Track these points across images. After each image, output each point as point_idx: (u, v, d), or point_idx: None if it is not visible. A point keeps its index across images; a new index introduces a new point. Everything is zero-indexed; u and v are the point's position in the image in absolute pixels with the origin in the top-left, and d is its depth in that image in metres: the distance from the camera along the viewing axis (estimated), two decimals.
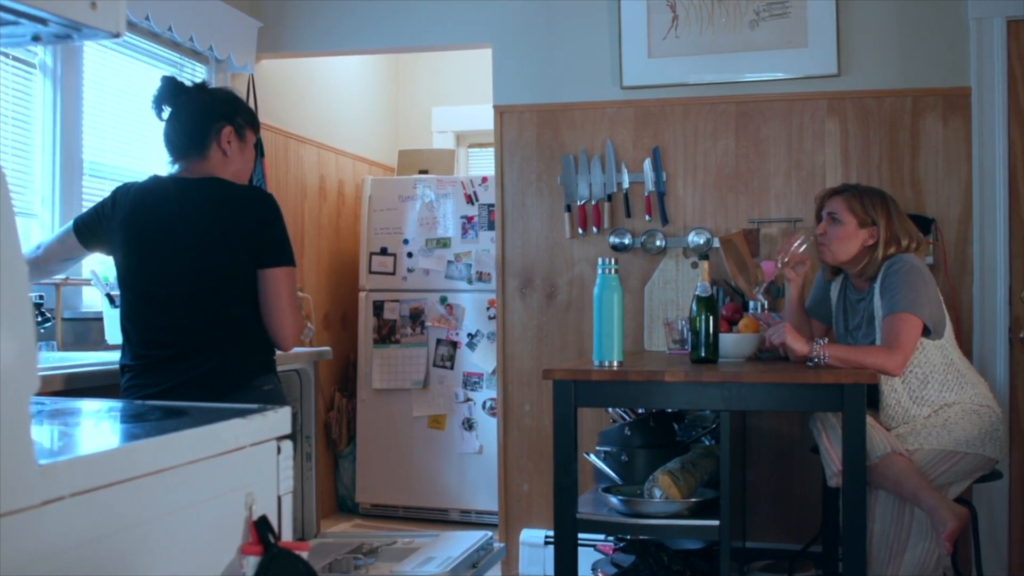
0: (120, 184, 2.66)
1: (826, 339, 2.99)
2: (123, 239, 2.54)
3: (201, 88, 2.66)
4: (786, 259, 3.15)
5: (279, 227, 2.55)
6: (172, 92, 2.60)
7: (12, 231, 1.01)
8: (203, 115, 2.58)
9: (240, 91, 4.31)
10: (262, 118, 4.34)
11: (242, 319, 2.52)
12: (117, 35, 1.26)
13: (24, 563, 0.98)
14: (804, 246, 3.14)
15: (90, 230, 2.64)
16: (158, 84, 2.62)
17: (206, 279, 2.48)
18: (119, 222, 2.56)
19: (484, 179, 4.96)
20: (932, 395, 2.95)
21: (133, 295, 2.53)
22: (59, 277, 3.08)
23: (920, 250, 3.10)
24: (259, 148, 4.21)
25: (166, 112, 2.61)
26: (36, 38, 1.24)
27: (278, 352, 2.63)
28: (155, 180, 2.61)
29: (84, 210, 2.82)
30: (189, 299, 2.48)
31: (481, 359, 4.92)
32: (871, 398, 2.92)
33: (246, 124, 2.64)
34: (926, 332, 2.94)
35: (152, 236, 2.51)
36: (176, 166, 2.62)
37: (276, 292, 2.51)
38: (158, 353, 2.47)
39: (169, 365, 2.46)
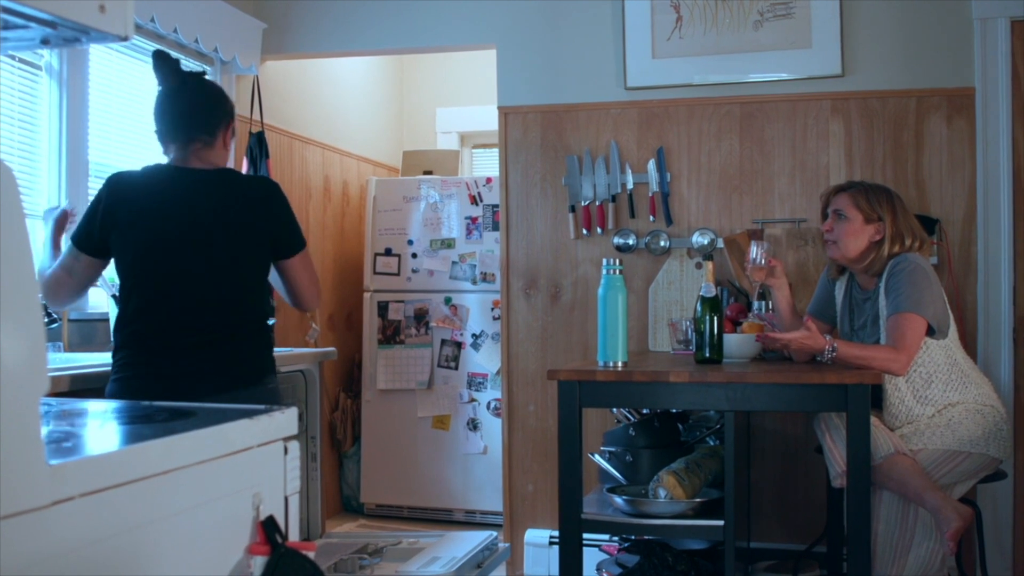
0: (110, 178, 2.54)
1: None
2: (144, 228, 2.48)
3: (204, 76, 2.68)
4: (750, 273, 3.17)
5: (292, 213, 2.68)
6: (176, 67, 2.60)
7: (22, 233, 1.02)
8: (216, 104, 2.62)
9: (245, 92, 4.32)
10: (267, 119, 4.36)
11: (261, 314, 2.63)
12: (125, 38, 1.27)
13: (33, 563, 0.98)
14: (761, 253, 3.13)
15: (101, 236, 2.50)
16: (161, 58, 2.59)
17: (231, 271, 2.53)
18: (133, 212, 2.48)
19: (488, 180, 4.96)
20: (936, 395, 2.95)
21: (156, 283, 2.48)
22: None
23: (924, 249, 3.10)
24: (264, 149, 4.23)
25: (161, 82, 2.59)
26: (45, 41, 1.24)
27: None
28: (162, 170, 2.56)
29: (77, 227, 2.57)
30: (217, 291, 2.51)
31: (486, 359, 4.93)
32: (875, 398, 2.92)
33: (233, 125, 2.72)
34: (930, 332, 2.95)
35: (177, 230, 2.49)
36: (173, 147, 2.57)
37: (300, 275, 2.68)
38: (183, 339, 2.47)
39: (192, 352, 2.47)
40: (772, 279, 3.18)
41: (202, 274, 2.50)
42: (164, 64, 2.59)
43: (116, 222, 2.49)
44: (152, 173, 2.57)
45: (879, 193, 3.10)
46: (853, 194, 3.10)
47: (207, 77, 2.71)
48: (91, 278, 2.59)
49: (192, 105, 2.58)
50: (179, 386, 2.37)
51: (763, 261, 3.13)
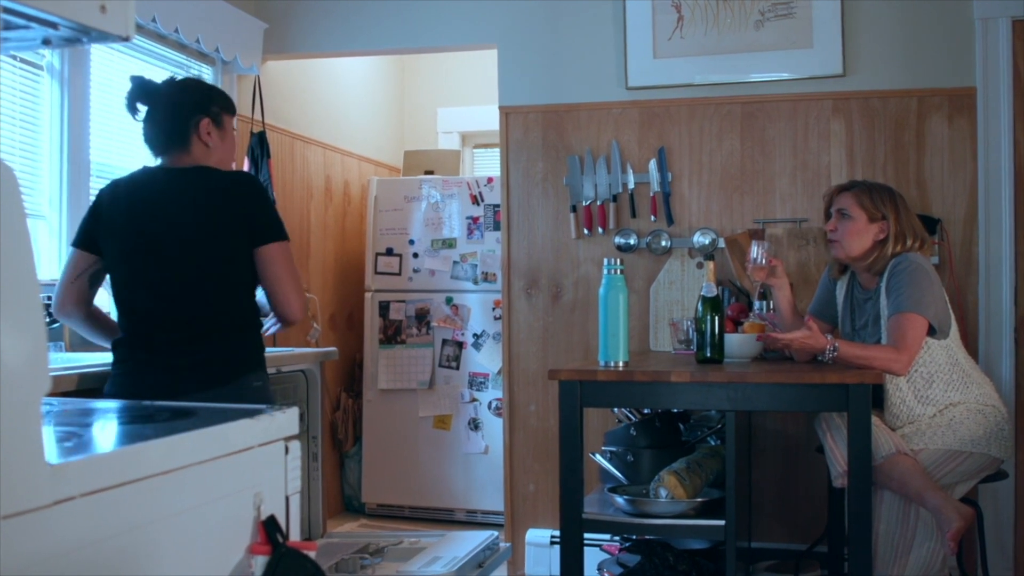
0: (105, 187, 2.65)
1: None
2: (124, 227, 2.54)
3: (171, 83, 2.68)
4: (751, 273, 3.17)
5: (269, 204, 2.61)
6: (144, 91, 2.62)
7: (22, 233, 1.02)
8: (179, 111, 2.60)
9: (246, 92, 4.32)
10: (268, 119, 4.36)
11: (242, 311, 2.57)
12: (126, 39, 1.27)
13: (34, 563, 0.99)
14: (762, 253, 3.14)
15: (90, 231, 2.59)
16: (128, 86, 2.62)
17: (209, 266, 2.51)
18: (114, 213, 2.55)
19: (490, 179, 4.96)
20: (937, 395, 2.95)
21: (135, 281, 2.53)
22: None
23: (926, 249, 3.10)
24: (265, 149, 4.22)
25: (141, 112, 2.62)
26: (46, 42, 1.24)
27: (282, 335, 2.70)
28: (145, 171, 2.64)
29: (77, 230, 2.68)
30: (194, 286, 2.50)
31: (487, 359, 4.93)
32: (876, 398, 2.92)
33: (222, 111, 2.66)
34: (931, 332, 2.94)
35: (151, 226, 2.51)
36: (160, 159, 2.64)
37: (277, 266, 2.54)
38: (163, 337, 2.48)
39: (170, 349, 2.47)
40: (773, 279, 3.18)
41: (177, 270, 2.50)
42: (131, 91, 2.62)
43: (101, 221, 2.57)
44: (136, 176, 2.63)
45: (882, 192, 3.10)
46: (857, 193, 3.10)
47: (171, 77, 2.72)
48: (91, 273, 2.60)
49: (152, 129, 2.61)
50: (160, 384, 2.38)
51: (764, 261, 3.14)
